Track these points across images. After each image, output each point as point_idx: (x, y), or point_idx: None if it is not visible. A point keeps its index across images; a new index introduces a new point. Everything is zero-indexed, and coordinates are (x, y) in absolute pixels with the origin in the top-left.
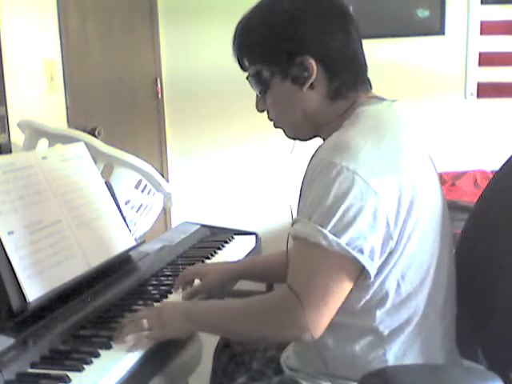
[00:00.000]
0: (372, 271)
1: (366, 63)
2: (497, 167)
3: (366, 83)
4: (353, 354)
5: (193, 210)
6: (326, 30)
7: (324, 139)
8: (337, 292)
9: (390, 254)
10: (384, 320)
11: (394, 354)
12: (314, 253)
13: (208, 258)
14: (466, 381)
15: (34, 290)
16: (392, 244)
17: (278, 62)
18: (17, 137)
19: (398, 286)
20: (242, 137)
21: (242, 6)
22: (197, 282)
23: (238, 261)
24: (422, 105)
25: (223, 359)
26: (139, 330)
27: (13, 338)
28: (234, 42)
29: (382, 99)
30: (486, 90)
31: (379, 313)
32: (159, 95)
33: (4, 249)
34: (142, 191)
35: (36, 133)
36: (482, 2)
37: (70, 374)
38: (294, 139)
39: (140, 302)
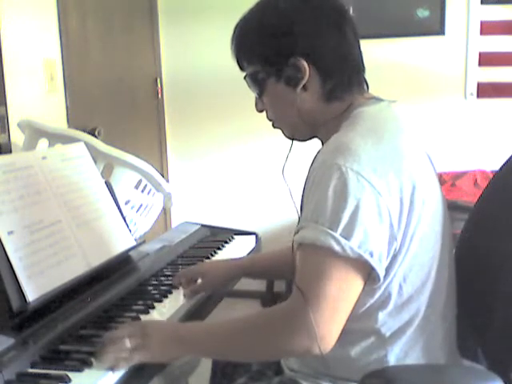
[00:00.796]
0: (382, 274)
1: (363, 64)
2: (497, 167)
3: (363, 84)
4: (354, 355)
5: (193, 210)
6: (319, 31)
7: (322, 140)
8: (349, 297)
9: (395, 256)
10: (386, 322)
11: (396, 356)
12: (325, 257)
13: (208, 258)
14: (466, 381)
15: (34, 290)
16: (396, 246)
17: (272, 64)
18: (17, 137)
19: (400, 288)
20: (242, 137)
21: (241, 6)
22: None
23: (240, 258)
24: (422, 105)
25: (223, 359)
26: (120, 351)
27: (13, 338)
28: (232, 43)
29: (379, 100)
30: (486, 90)
31: (381, 315)
32: (159, 95)
33: (4, 249)
34: (142, 191)
35: (36, 133)
36: (481, 2)
37: (70, 374)
38: (292, 139)
39: (140, 302)
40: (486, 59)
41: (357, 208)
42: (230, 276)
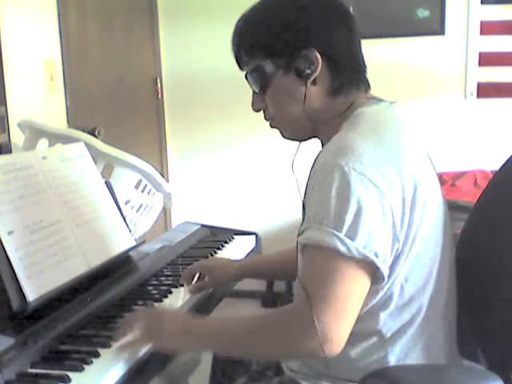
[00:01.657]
0: (386, 274)
1: (364, 64)
2: (497, 167)
3: (365, 83)
4: (354, 356)
5: (193, 210)
6: (331, 24)
7: (321, 140)
8: (357, 298)
9: (397, 256)
10: (387, 322)
11: (396, 356)
12: (331, 259)
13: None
14: (467, 381)
15: (34, 290)
16: (398, 246)
17: (282, 55)
18: (17, 137)
19: (402, 288)
20: (241, 137)
21: (241, 6)
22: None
23: (241, 259)
24: (422, 105)
25: (223, 359)
26: (134, 333)
27: (13, 338)
28: (233, 38)
29: (380, 100)
30: (486, 90)
31: (383, 315)
32: (159, 95)
33: (4, 249)
34: (142, 191)
35: (36, 133)
36: (481, 2)
37: (70, 374)
38: (292, 139)
39: (140, 302)
40: (486, 59)
41: (360, 208)
42: (234, 276)
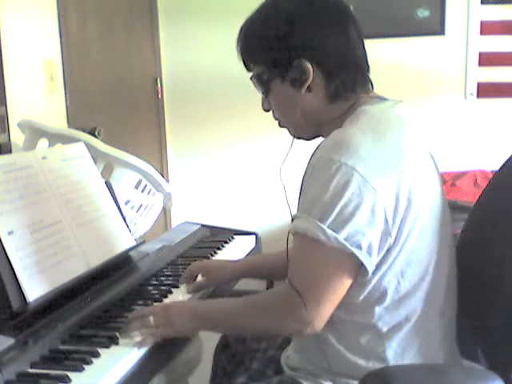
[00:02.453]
0: (370, 267)
1: (367, 63)
2: (497, 167)
3: (367, 83)
4: (353, 350)
5: (193, 210)
6: (323, 33)
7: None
8: (336, 287)
9: (388, 250)
10: (383, 317)
11: (394, 351)
12: (314, 248)
13: (208, 258)
14: (467, 381)
15: (34, 290)
16: (390, 241)
17: (276, 65)
18: (17, 137)
19: (398, 283)
20: (241, 137)
21: (241, 6)
22: (199, 278)
23: (240, 260)
24: (422, 105)
25: (223, 359)
26: (145, 327)
27: (13, 338)
28: (237, 45)
29: (383, 99)
30: (486, 90)
31: (378, 309)
32: (159, 95)
33: (4, 249)
34: (142, 191)
35: (36, 133)
36: (481, 2)
37: (70, 374)
38: (298, 138)
39: (140, 302)
40: (486, 59)
41: (349, 202)
42: (233, 277)
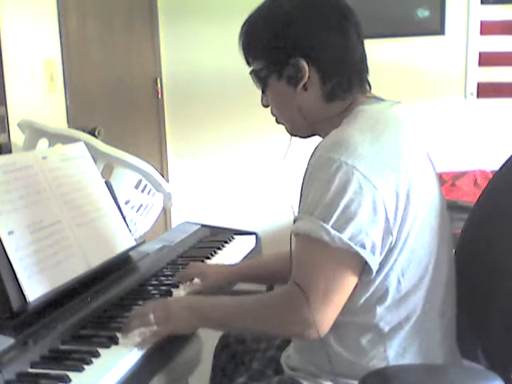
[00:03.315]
0: (374, 266)
1: (366, 64)
2: (497, 167)
3: (364, 84)
4: (354, 350)
5: (193, 210)
6: (321, 33)
7: (322, 137)
8: (341, 287)
9: (390, 250)
10: (384, 316)
11: (395, 351)
12: (317, 248)
13: (208, 258)
14: (467, 381)
15: (34, 290)
16: (392, 240)
17: (274, 62)
18: (17, 137)
19: (399, 282)
20: (241, 136)
21: (241, 6)
22: (196, 280)
23: (236, 264)
24: (422, 105)
25: (223, 359)
26: (145, 325)
27: (13, 338)
28: (239, 40)
29: (381, 100)
30: (486, 90)
31: (379, 309)
32: (159, 95)
33: (4, 249)
34: (142, 191)
35: (36, 133)
36: (481, 2)
37: (70, 374)
38: (294, 136)
39: (140, 302)
40: (486, 59)
41: (351, 202)
42: (230, 281)
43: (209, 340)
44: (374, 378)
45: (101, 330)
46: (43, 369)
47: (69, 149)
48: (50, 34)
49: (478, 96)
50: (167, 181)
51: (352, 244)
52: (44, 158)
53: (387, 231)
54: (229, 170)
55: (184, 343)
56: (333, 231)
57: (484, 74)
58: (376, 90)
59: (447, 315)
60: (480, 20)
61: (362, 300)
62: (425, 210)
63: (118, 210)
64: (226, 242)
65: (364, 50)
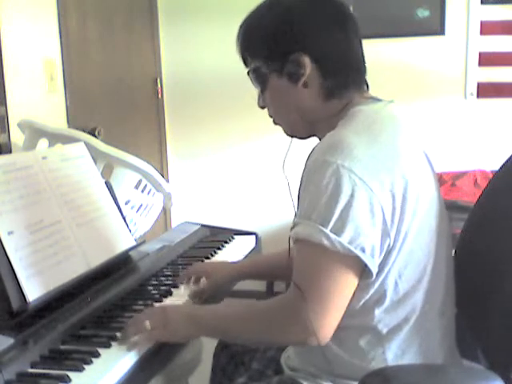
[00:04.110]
0: (374, 269)
1: (364, 64)
2: (497, 167)
3: (363, 84)
4: (353, 352)
5: (193, 210)
6: (323, 29)
7: (320, 138)
8: (341, 292)
9: (389, 252)
10: (382, 318)
11: (394, 353)
12: (317, 253)
13: (208, 258)
14: (467, 381)
15: (34, 290)
16: (389, 242)
17: (274, 59)
18: (17, 137)
19: (396, 284)
20: (241, 137)
21: (241, 5)
22: (202, 279)
23: (239, 261)
24: (421, 105)
25: (223, 359)
26: (142, 331)
27: (13, 338)
28: (237, 39)
29: (377, 100)
30: (486, 90)
31: (377, 311)
32: (159, 95)
33: (4, 249)
34: (142, 191)
35: (36, 133)
36: (481, 2)
37: (70, 374)
38: (292, 137)
39: (140, 302)
40: (486, 59)
41: (348, 205)
42: (233, 278)
43: (209, 340)
44: (374, 378)
45: (101, 330)
46: (43, 369)
47: (69, 149)
48: (50, 34)
49: (478, 96)
50: (167, 181)
51: (352, 248)
52: (44, 157)
53: (385, 233)
54: (229, 170)
55: (184, 344)
56: (332, 235)
57: (484, 74)
58: (376, 90)
59: (446, 315)
60: (480, 20)
61: (361, 302)
62: (423, 211)
63: (118, 210)
64: (226, 242)
65: (362, 50)
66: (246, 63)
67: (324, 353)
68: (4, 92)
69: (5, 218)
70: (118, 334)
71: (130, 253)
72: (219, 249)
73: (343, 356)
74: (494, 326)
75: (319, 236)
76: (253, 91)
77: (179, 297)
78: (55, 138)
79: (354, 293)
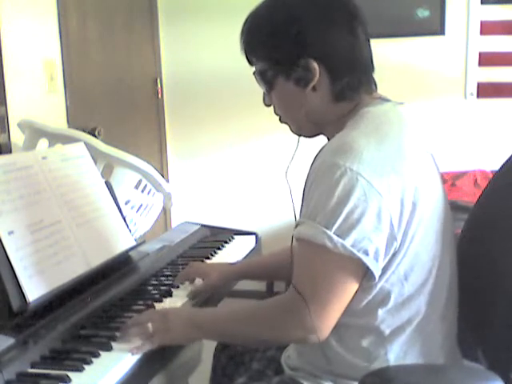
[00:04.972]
0: (376, 272)
1: (372, 63)
2: (497, 167)
3: (371, 84)
4: (355, 352)
5: (193, 210)
6: (330, 32)
7: (328, 137)
8: (342, 293)
9: (394, 255)
10: (385, 319)
11: (396, 354)
12: (319, 254)
13: (208, 258)
14: (467, 381)
15: (34, 290)
16: (396, 245)
17: (281, 63)
18: (17, 137)
19: (402, 286)
20: (241, 137)
21: (241, 5)
22: (198, 281)
23: (238, 262)
24: (421, 105)
25: (223, 359)
26: (143, 334)
27: (13, 338)
28: (241, 38)
29: (386, 100)
30: (486, 90)
31: (381, 312)
32: (159, 95)
33: (4, 249)
34: (142, 191)
35: (36, 133)
36: (481, 2)
37: (70, 374)
38: (299, 135)
39: (140, 302)
40: (486, 59)
41: (354, 208)
42: (230, 279)
43: (209, 340)
44: (374, 378)
45: (101, 330)
46: (43, 369)
47: (69, 149)
48: (50, 34)
49: (478, 96)
50: (167, 181)
51: (355, 251)
52: (44, 158)
53: (392, 237)
54: (229, 169)
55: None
56: (335, 237)
57: (484, 74)
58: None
59: (449, 318)
60: (480, 20)
61: (364, 302)
62: (429, 213)
63: (118, 210)
64: (226, 242)
65: (370, 49)
66: (250, 62)
67: (325, 352)
68: (4, 92)
69: (5, 217)
70: (118, 334)
71: (130, 253)
72: (219, 249)
73: (345, 355)
74: (494, 326)
75: (322, 237)
76: (253, 91)
77: (179, 297)
78: (55, 138)
79: (357, 293)
